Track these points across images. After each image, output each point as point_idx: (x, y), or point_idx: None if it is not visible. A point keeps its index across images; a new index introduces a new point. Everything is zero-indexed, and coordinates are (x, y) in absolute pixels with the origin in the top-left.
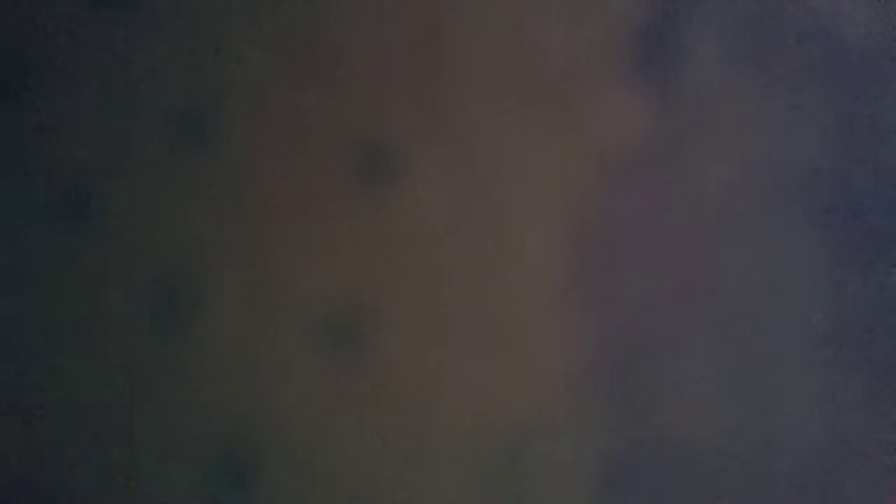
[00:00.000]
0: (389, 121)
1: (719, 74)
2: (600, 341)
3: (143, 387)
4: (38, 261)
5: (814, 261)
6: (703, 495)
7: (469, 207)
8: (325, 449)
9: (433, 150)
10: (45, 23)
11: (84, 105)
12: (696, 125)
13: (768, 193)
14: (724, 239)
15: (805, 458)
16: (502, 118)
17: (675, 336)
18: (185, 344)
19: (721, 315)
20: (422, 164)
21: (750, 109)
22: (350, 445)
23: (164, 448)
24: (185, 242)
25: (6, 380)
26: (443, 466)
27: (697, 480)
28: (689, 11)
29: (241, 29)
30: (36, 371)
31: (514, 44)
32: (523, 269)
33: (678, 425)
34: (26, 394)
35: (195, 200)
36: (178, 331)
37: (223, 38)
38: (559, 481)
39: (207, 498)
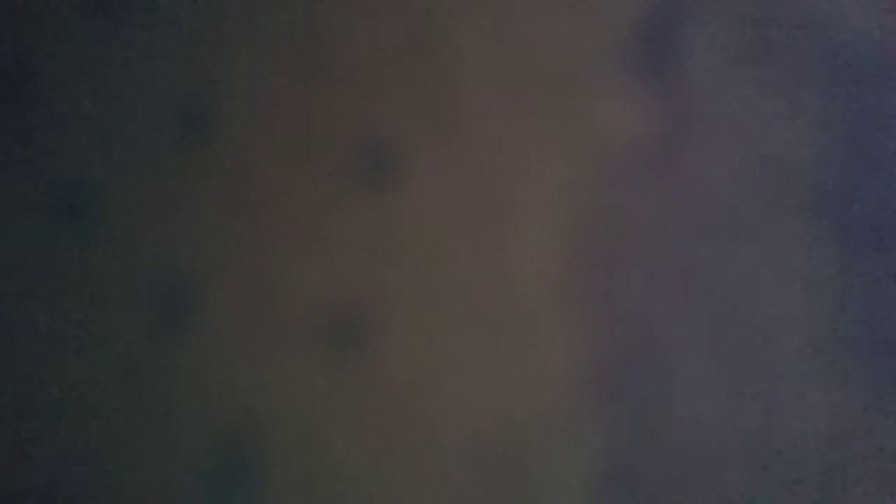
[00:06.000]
0: (390, 121)
1: (719, 74)
2: (601, 341)
3: (143, 386)
4: (39, 261)
5: (814, 260)
6: (703, 494)
7: (469, 208)
8: (325, 448)
9: (433, 151)
10: (45, 23)
11: (84, 105)
12: (696, 125)
13: (768, 193)
14: (725, 238)
15: (805, 457)
16: (502, 118)
17: (676, 336)
18: (185, 343)
19: (722, 314)
20: (422, 164)
21: (750, 109)
22: (350, 445)
23: (165, 447)
24: (186, 242)
25: (6, 380)
26: (443, 466)
27: (697, 479)
28: (689, 12)
29: (241, 29)
30: (36, 371)
31: (515, 44)
32: (524, 269)
33: (678, 424)
34: (26, 394)
35: (195, 200)
36: (179, 330)
37: (223, 38)
38: (560, 480)
39: (208, 497)
